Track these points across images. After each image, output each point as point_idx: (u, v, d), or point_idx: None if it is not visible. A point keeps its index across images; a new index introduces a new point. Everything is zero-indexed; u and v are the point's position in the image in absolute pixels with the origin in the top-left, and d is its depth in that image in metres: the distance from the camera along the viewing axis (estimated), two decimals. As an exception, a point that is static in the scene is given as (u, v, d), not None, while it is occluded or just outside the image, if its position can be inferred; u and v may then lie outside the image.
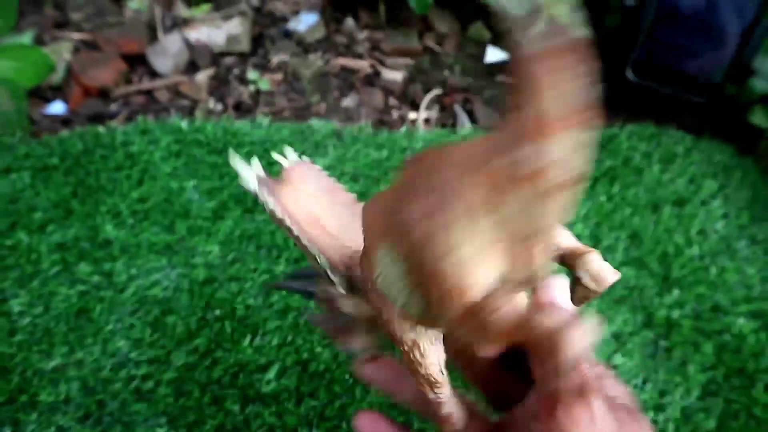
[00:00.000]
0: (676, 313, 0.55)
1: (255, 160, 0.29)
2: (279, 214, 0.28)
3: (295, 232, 0.28)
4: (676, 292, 0.57)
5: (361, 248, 0.27)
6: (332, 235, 0.30)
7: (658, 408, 0.49)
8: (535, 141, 0.17)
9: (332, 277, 0.28)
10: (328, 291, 0.30)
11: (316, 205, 0.30)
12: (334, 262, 0.29)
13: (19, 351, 0.49)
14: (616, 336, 0.53)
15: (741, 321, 0.55)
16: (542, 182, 0.17)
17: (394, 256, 0.24)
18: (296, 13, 0.89)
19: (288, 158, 0.31)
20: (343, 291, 0.28)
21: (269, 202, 0.28)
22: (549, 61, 0.16)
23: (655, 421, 0.48)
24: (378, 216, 0.25)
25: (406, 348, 0.25)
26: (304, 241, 0.28)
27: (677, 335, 0.53)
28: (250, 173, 0.28)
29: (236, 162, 0.28)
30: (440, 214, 0.21)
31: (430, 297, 0.22)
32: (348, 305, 0.29)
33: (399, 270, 0.24)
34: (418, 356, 0.25)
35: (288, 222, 0.28)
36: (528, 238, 0.19)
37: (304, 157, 0.32)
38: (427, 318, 0.24)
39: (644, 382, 0.51)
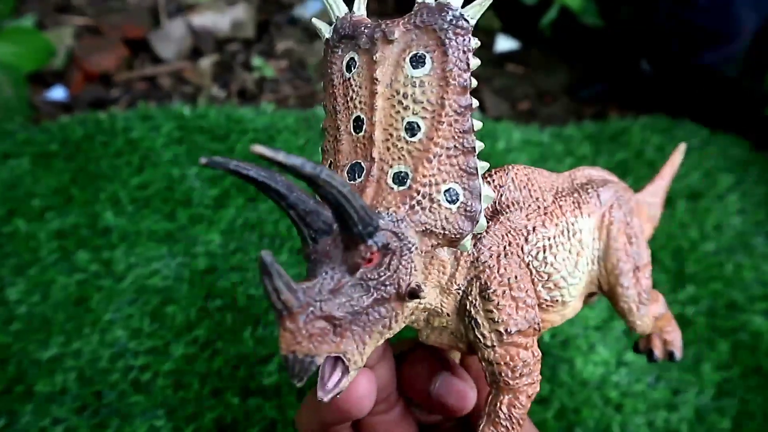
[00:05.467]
0: (690, 310, 0.53)
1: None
2: None
3: None
4: (690, 289, 0.55)
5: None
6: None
7: (671, 407, 0.48)
8: None
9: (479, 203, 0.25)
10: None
11: None
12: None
13: (16, 340, 0.48)
14: (628, 333, 0.51)
15: (757, 319, 0.53)
16: None
17: None
18: (302, -1, 0.88)
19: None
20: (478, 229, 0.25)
21: None
22: None
23: (667, 421, 0.47)
24: None
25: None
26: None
27: (691, 333, 0.52)
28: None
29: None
30: None
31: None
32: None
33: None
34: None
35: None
36: None
37: None
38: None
39: (657, 380, 0.49)
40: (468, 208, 0.24)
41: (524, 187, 0.29)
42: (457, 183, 0.24)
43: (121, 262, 0.53)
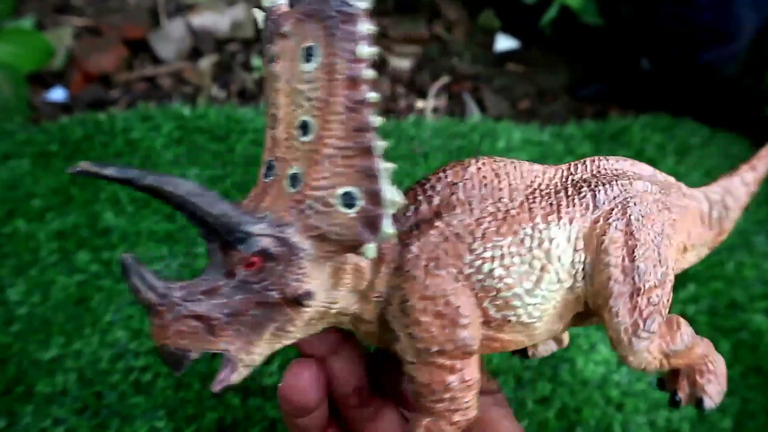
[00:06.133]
0: (691, 309, 0.53)
1: None
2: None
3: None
4: (691, 287, 0.55)
5: None
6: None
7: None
8: None
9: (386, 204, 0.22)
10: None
11: None
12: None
13: (16, 341, 0.48)
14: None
15: (759, 318, 0.53)
16: None
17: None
18: (302, -1, 0.88)
19: None
20: (388, 233, 0.23)
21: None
22: None
23: (669, 420, 0.47)
24: None
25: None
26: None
27: (692, 332, 0.52)
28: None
29: None
30: None
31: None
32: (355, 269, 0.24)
33: None
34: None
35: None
36: None
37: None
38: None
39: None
40: (368, 214, 0.22)
41: (486, 184, 0.25)
42: (354, 186, 0.22)
43: (122, 262, 0.53)
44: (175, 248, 0.54)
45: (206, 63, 0.77)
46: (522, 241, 0.25)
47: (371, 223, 0.22)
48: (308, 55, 0.22)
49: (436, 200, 0.25)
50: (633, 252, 0.25)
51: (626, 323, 0.25)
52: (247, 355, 0.24)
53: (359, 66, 0.22)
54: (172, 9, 0.83)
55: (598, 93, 0.80)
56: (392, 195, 0.22)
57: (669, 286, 0.26)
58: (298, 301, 0.23)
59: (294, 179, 0.23)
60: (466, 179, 0.25)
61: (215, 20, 0.81)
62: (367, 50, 0.22)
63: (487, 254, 0.24)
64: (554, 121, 0.75)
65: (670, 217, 0.27)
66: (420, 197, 0.26)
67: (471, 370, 0.25)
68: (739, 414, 0.47)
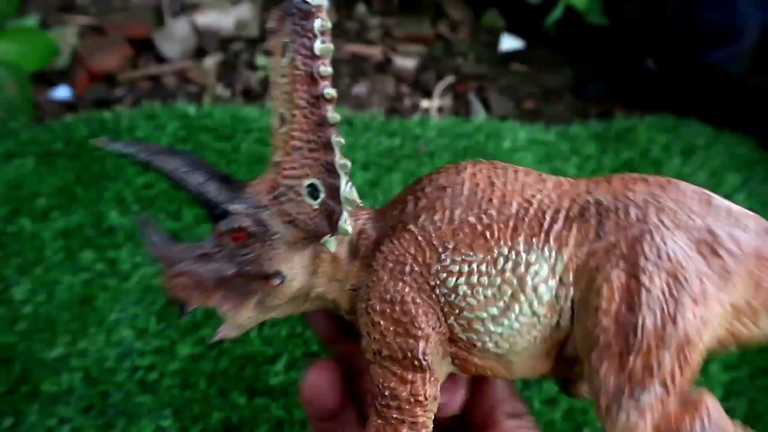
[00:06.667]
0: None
1: None
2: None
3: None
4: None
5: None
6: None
7: (680, 407, 0.47)
8: None
9: (338, 214, 0.23)
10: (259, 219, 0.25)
11: None
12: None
13: (21, 340, 0.48)
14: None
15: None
16: None
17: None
18: (306, -2, 0.87)
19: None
20: (329, 242, 0.25)
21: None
22: None
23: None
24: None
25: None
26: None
27: (699, 332, 0.52)
28: None
29: None
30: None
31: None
32: (296, 264, 0.25)
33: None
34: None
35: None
36: None
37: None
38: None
39: (665, 380, 0.49)
40: (327, 208, 0.23)
41: (477, 192, 0.23)
42: (319, 179, 0.23)
43: (127, 261, 0.53)
44: (180, 247, 0.54)
45: (211, 62, 0.77)
46: (495, 260, 0.22)
47: (330, 217, 0.23)
48: (284, 50, 0.23)
49: (422, 202, 0.24)
50: (634, 299, 0.20)
51: (608, 386, 0.20)
52: (236, 318, 0.26)
53: (316, 63, 0.22)
54: (177, 8, 0.82)
55: (602, 92, 0.79)
56: (349, 194, 0.23)
57: (689, 354, 0.20)
58: (268, 278, 0.25)
59: (275, 166, 0.25)
60: (457, 184, 0.24)
61: (219, 19, 0.81)
62: (323, 47, 0.22)
63: (455, 268, 0.22)
64: (559, 121, 0.75)
65: (720, 264, 0.21)
66: (410, 197, 0.25)
67: (427, 387, 0.23)
68: (746, 415, 0.47)
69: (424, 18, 0.85)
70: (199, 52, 0.79)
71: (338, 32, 0.83)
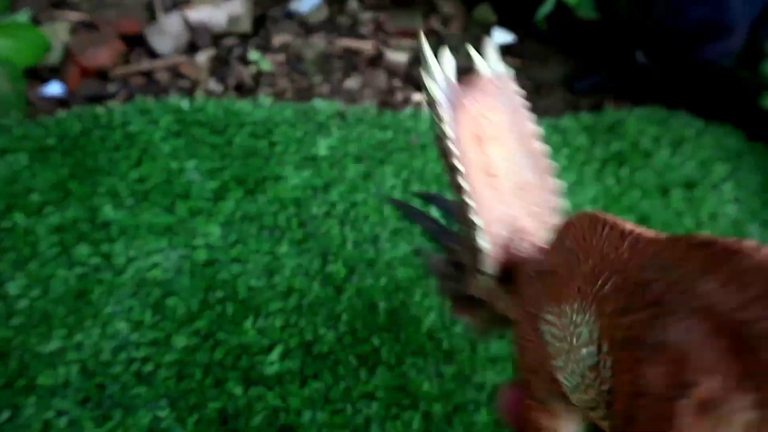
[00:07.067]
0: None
1: (448, 55, 0.25)
2: (450, 143, 0.24)
3: (459, 171, 0.24)
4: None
5: (527, 225, 0.26)
6: (499, 193, 0.25)
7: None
8: None
9: (481, 251, 0.24)
10: (461, 256, 0.28)
11: (495, 146, 0.25)
12: (491, 233, 0.25)
13: (17, 334, 0.48)
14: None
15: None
16: None
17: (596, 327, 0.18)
18: (298, -7, 0.88)
19: (491, 62, 0.25)
20: (487, 272, 0.26)
21: (446, 121, 0.24)
22: None
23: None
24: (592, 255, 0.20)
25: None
26: (465, 189, 0.24)
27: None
28: (438, 71, 0.25)
29: (427, 49, 0.24)
30: None
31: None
32: (484, 289, 0.27)
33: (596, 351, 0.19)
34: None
35: (455, 157, 0.24)
36: None
37: (505, 69, 0.26)
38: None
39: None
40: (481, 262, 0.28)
41: (572, 250, 0.22)
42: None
43: (121, 255, 0.53)
44: (174, 240, 0.55)
45: (203, 57, 0.77)
46: (560, 314, 0.22)
47: (479, 267, 0.26)
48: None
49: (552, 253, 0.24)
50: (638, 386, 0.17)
51: None
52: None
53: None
54: (169, 3, 0.82)
55: (594, 86, 0.80)
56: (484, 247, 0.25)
57: None
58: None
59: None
60: (567, 236, 0.23)
61: (211, 14, 0.81)
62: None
63: (546, 317, 0.22)
64: (550, 113, 0.76)
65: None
66: (549, 246, 0.25)
67: (541, 415, 0.24)
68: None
69: (416, 12, 0.85)
70: (192, 48, 0.79)
71: (330, 27, 0.83)
